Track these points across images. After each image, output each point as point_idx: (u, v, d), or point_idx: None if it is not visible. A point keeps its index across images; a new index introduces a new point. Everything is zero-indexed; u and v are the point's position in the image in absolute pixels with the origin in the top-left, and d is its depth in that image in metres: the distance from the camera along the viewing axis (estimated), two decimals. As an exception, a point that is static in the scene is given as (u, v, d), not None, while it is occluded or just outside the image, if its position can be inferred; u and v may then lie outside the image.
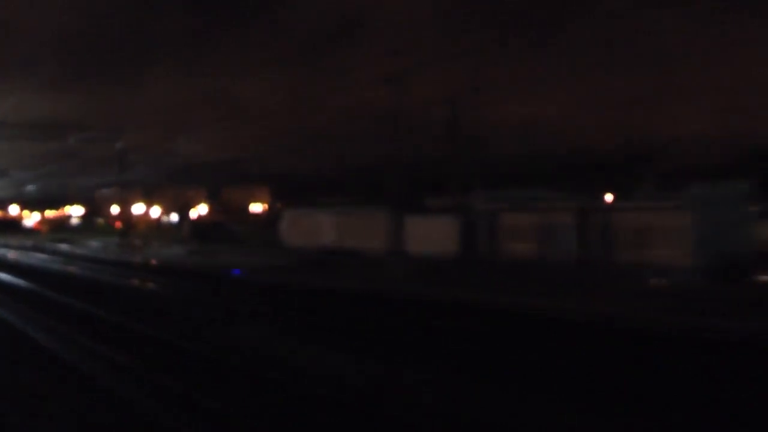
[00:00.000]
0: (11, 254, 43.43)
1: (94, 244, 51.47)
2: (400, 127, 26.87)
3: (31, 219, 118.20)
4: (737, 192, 23.94)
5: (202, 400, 8.46)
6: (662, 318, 14.03)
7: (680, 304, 15.85)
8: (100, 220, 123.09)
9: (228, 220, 71.74)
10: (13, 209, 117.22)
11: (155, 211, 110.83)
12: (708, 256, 22.01)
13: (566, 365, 10.53)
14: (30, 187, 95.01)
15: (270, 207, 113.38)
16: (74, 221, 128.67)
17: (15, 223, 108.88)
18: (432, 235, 31.25)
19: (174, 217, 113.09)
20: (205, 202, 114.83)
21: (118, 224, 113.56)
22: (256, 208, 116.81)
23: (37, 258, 39.61)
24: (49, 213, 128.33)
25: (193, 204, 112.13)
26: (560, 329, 13.88)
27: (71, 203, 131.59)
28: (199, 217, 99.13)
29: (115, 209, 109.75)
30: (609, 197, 37.24)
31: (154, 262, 34.03)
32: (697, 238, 22.29)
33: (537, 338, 13.06)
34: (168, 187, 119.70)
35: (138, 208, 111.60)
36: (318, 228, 38.81)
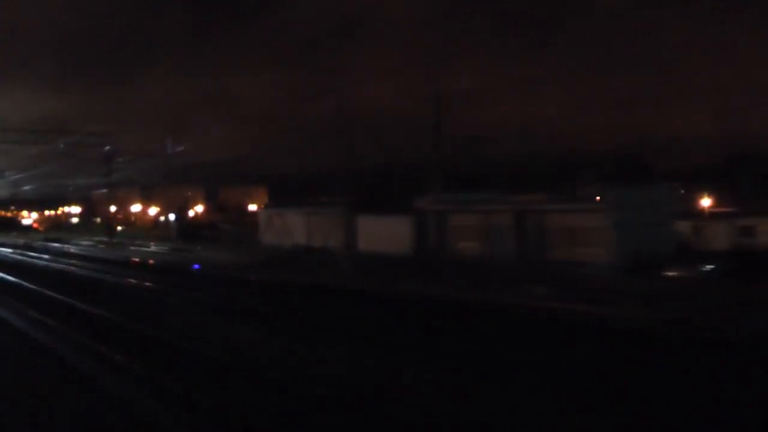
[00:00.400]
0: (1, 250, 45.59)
1: (83, 243, 53.51)
2: (365, 130, 28.75)
3: (29, 218, 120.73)
4: (655, 195, 25.83)
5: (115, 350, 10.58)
6: (568, 307, 15.87)
7: (590, 297, 17.57)
8: (98, 220, 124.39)
9: (223, 220, 73.45)
10: (12, 209, 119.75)
11: (153, 211, 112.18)
12: (625, 253, 23.91)
13: (467, 343, 12.34)
14: (27, 188, 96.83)
15: (264, 207, 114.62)
16: (73, 220, 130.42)
17: (14, 222, 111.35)
18: (389, 234, 33.19)
19: (172, 216, 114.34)
20: (202, 202, 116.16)
21: (113, 222, 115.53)
22: (253, 207, 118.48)
23: (26, 255, 41.66)
24: (49, 212, 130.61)
25: (191, 204, 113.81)
26: (474, 316, 15.66)
27: (69, 203, 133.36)
28: (188, 217, 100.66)
29: (112, 209, 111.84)
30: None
31: (133, 258, 36.01)
32: (615, 237, 24.18)
33: (443, 321, 14.87)
34: (166, 187, 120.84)
35: (136, 208, 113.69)
36: (290, 227, 40.81)
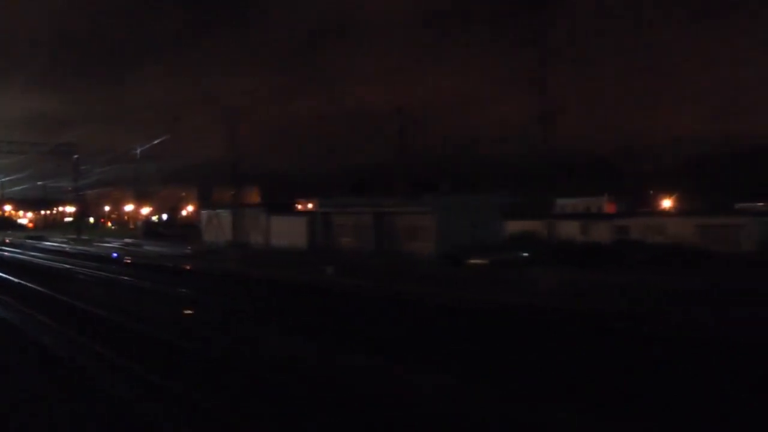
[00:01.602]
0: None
1: (57, 240, 60.85)
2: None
3: (25, 218, 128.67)
4: (482, 201, 32.83)
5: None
6: (340, 281, 22.68)
7: (363, 275, 24.52)
8: (91, 219, 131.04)
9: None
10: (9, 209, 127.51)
11: (145, 211, 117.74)
12: (444, 247, 30.93)
13: (256, 299, 19.25)
14: (16, 189, 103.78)
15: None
16: (67, 220, 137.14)
17: (10, 222, 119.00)
18: (292, 231, 40.36)
19: (165, 216, 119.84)
20: (194, 202, 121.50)
21: (105, 222, 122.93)
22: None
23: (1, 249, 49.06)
24: (45, 212, 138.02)
25: (183, 204, 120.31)
26: (266, 284, 22.59)
27: (64, 203, 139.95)
28: (179, 216, 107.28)
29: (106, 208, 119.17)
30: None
31: (90, 250, 43.22)
32: (436, 234, 31.24)
33: (248, 287, 21.77)
34: (161, 187, 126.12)
35: (128, 208, 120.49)
36: (223, 226, 48.00)
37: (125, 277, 24.73)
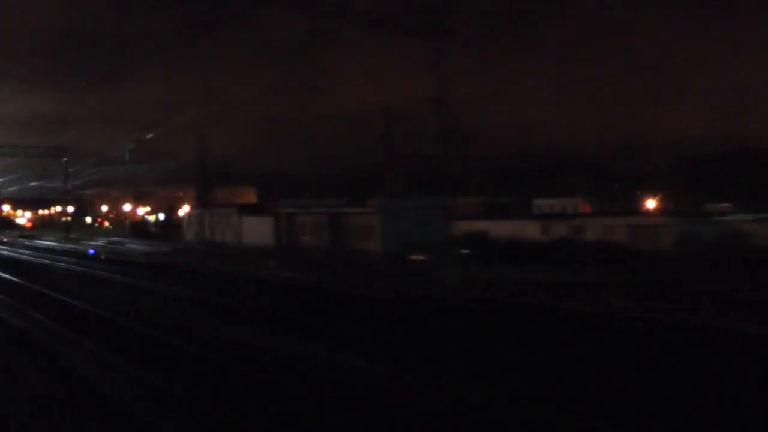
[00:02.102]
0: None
1: (47, 239, 64.20)
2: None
3: (23, 218, 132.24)
4: (429, 203, 36.00)
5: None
6: (283, 275, 25.84)
7: (308, 269, 27.62)
8: (88, 219, 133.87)
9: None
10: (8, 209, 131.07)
11: (141, 211, 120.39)
12: (389, 244, 34.10)
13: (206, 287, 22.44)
14: (19, 188, 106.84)
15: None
16: (65, 219, 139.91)
17: (8, 221, 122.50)
18: (260, 231, 43.58)
19: (162, 216, 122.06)
20: (190, 202, 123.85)
21: (101, 221, 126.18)
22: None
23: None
24: (43, 212, 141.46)
25: (180, 204, 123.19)
26: (216, 277, 25.77)
27: (62, 203, 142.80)
28: (177, 216, 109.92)
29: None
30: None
31: (75, 248, 46.49)
32: (381, 233, 34.44)
33: (201, 277, 24.96)
34: (160, 187, 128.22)
35: (126, 208, 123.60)
36: (202, 226, 51.21)
37: (96, 271, 28.00)
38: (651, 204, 79.11)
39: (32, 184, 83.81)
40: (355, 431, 7.61)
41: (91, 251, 38.63)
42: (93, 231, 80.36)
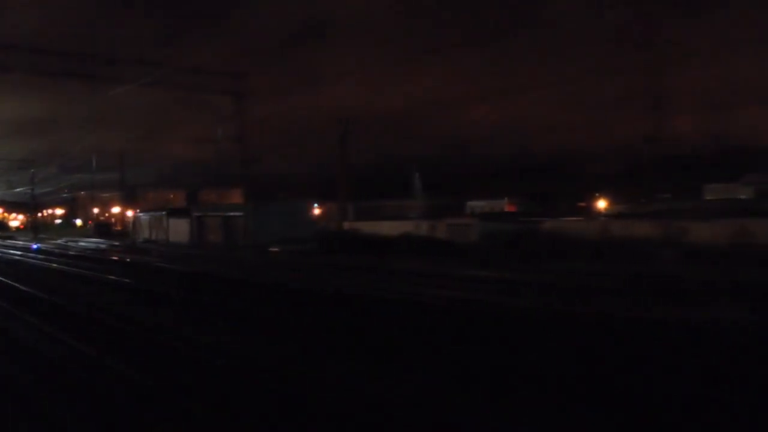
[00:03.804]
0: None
1: (20, 239, 75.61)
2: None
3: (17, 220, 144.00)
4: (291, 208, 47.14)
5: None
6: (158, 264, 37.03)
7: (199, 262, 38.75)
8: (79, 221, 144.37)
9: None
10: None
11: (130, 213, 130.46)
12: (258, 240, 45.21)
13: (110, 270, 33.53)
14: (10, 192, 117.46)
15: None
16: (57, 221, 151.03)
17: (1, 224, 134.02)
18: (181, 230, 54.77)
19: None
20: (181, 204, 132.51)
21: (91, 223, 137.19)
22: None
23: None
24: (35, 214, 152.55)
25: (171, 206, 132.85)
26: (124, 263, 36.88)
27: (54, 205, 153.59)
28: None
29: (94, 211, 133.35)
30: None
31: (28, 244, 57.72)
32: (250, 231, 45.61)
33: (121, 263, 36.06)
34: (150, 189, 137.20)
35: (115, 210, 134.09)
36: (143, 226, 62.56)
37: (27, 259, 39.25)
38: (602, 204, 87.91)
39: (17, 190, 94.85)
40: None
41: (35, 246, 49.84)
42: (66, 231, 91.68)
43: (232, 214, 48.42)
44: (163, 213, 57.67)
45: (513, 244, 38.53)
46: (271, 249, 44.01)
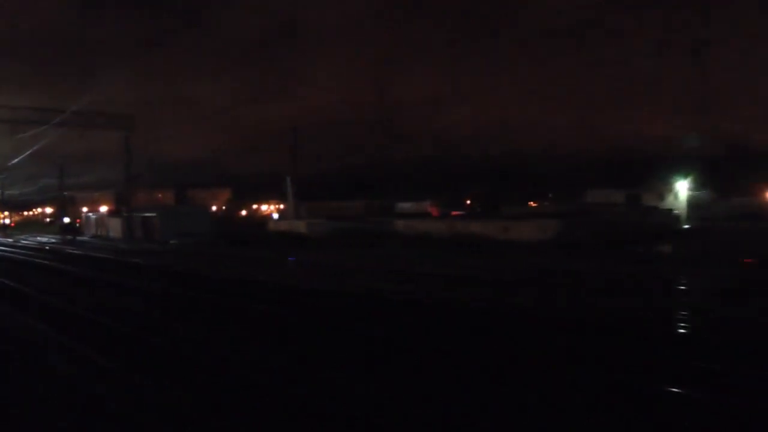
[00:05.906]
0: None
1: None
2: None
3: (7, 219, 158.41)
4: (193, 210, 62.53)
5: None
6: (91, 255, 52.24)
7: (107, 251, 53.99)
8: (66, 219, 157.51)
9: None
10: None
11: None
12: (167, 236, 60.50)
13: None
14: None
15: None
16: (47, 220, 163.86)
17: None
18: (117, 228, 70.17)
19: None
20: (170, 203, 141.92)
21: (79, 221, 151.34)
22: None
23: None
24: (27, 213, 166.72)
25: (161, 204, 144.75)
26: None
27: (46, 204, 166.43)
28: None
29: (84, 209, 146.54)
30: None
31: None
32: (162, 229, 61.03)
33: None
34: (138, 189, 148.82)
35: (103, 209, 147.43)
36: (91, 224, 78.06)
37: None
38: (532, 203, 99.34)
39: (9, 192, 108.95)
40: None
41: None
42: (39, 229, 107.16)
43: (148, 215, 63.86)
44: (105, 213, 73.01)
45: (345, 237, 54.23)
46: (170, 241, 59.36)
